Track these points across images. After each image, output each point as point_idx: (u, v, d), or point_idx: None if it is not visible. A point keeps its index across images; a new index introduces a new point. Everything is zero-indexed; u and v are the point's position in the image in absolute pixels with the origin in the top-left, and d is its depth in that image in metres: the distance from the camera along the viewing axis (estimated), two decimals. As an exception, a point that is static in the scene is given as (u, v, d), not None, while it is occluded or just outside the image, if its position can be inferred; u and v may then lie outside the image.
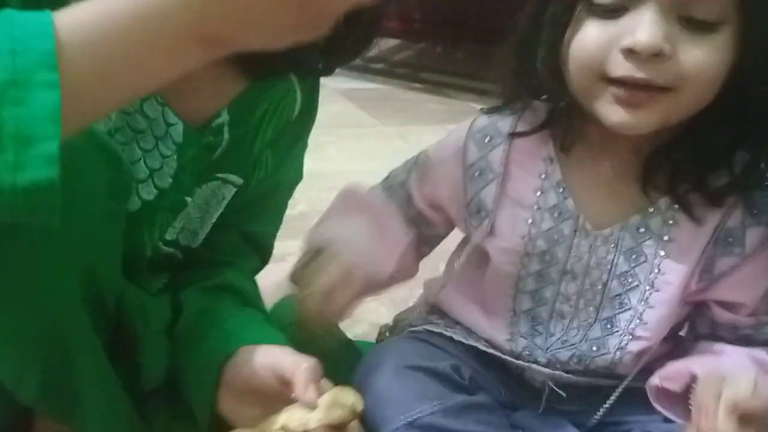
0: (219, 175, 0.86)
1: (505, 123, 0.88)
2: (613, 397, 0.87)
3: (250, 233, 0.94)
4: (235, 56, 0.56)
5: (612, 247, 0.84)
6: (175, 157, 0.81)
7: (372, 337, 1.18)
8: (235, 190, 0.88)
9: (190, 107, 0.80)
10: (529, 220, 0.85)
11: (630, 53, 0.72)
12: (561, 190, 0.85)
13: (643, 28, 0.71)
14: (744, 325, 0.85)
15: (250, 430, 0.68)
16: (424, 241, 0.97)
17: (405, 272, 0.96)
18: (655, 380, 0.84)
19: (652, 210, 0.83)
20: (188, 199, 0.84)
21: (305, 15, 0.53)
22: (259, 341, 0.77)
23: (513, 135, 0.86)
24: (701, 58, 0.72)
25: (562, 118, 0.84)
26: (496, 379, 0.92)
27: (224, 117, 0.83)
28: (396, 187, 0.96)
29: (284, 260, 1.00)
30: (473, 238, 0.90)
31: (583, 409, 0.89)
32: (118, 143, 0.77)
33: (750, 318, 0.84)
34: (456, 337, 0.92)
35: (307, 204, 1.64)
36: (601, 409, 0.88)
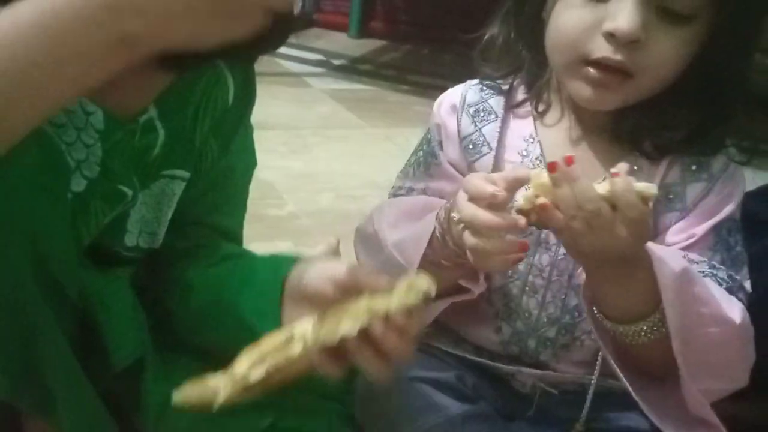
0: (164, 172, 0.85)
1: (495, 100, 0.92)
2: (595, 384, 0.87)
3: (215, 225, 0.93)
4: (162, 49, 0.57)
5: None
6: (99, 144, 0.79)
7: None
8: (184, 184, 0.87)
9: (111, 99, 0.78)
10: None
11: (610, 37, 0.78)
12: (539, 164, 0.88)
13: (625, 14, 0.76)
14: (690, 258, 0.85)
15: (347, 314, 0.67)
16: None
17: None
18: None
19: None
20: (123, 188, 0.82)
21: (223, 5, 0.55)
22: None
23: (507, 108, 0.91)
24: (669, 50, 0.79)
25: (541, 94, 0.90)
26: (491, 387, 0.92)
27: (152, 112, 0.81)
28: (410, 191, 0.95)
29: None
30: None
31: (574, 415, 0.89)
32: None
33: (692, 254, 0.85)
34: (444, 348, 0.93)
35: (295, 204, 1.65)
36: (588, 398, 0.87)
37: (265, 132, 1.95)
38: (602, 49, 0.79)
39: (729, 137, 0.86)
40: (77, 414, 0.78)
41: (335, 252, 1.46)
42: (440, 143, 0.93)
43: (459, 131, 0.92)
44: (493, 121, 0.91)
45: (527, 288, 0.89)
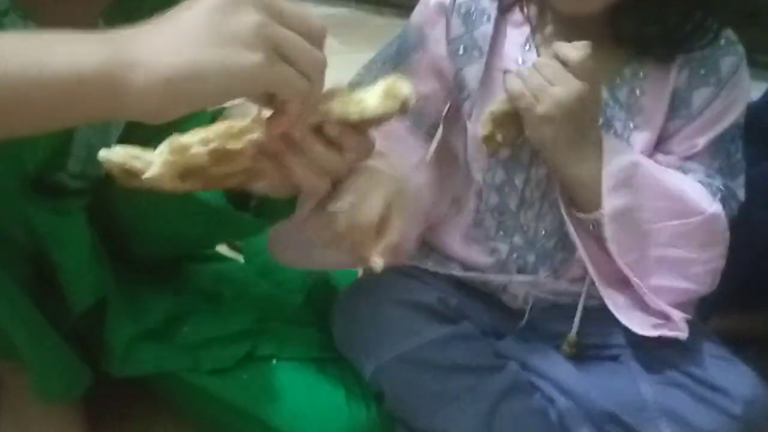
0: None
1: (488, 2, 0.85)
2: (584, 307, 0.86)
3: None
4: None
5: None
6: None
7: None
8: None
9: (57, 20, 0.73)
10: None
11: None
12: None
13: None
14: (686, 167, 0.85)
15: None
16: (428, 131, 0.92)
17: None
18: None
19: (618, 80, 0.83)
20: None
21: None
22: None
23: (500, 10, 0.85)
24: None
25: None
26: (479, 306, 0.90)
27: (101, 27, 0.75)
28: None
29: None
30: (460, 110, 0.87)
31: (564, 329, 0.87)
32: None
33: (688, 163, 0.85)
34: (431, 269, 0.90)
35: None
36: (579, 309, 0.86)
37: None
38: None
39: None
40: (42, 357, 0.76)
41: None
42: (416, 44, 0.87)
43: (448, 32, 0.86)
44: (485, 23, 0.85)
45: (524, 202, 0.86)
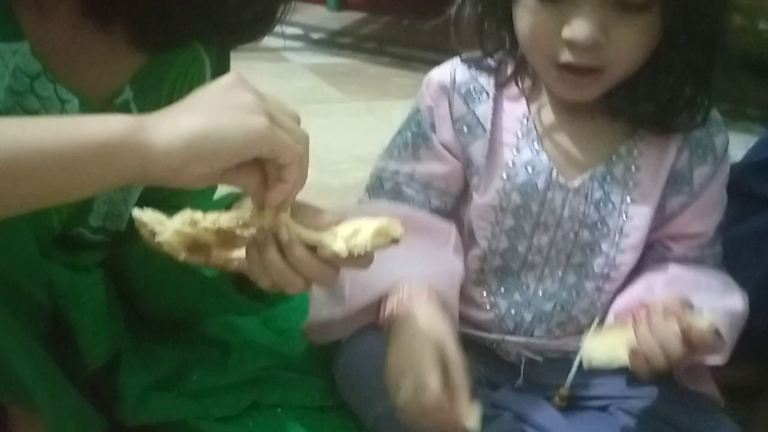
0: None
1: (485, 79, 0.89)
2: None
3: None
4: (130, 30, 0.56)
5: (583, 199, 0.87)
6: None
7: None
8: None
9: (86, 84, 0.77)
10: (504, 175, 0.87)
11: (570, 43, 0.77)
12: (535, 144, 0.87)
13: (580, 21, 0.75)
14: (691, 256, 0.91)
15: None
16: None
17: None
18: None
19: (615, 158, 0.87)
20: None
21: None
22: None
23: (498, 87, 0.88)
24: (632, 40, 0.77)
25: (528, 72, 0.88)
26: (475, 357, 0.90)
27: (128, 93, 0.80)
28: (401, 181, 0.90)
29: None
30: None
31: (558, 381, 0.89)
32: None
33: (695, 251, 0.91)
34: None
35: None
36: (574, 367, 0.87)
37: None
38: (566, 55, 0.78)
39: (714, 102, 0.87)
40: (57, 408, 0.78)
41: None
42: (432, 125, 0.90)
43: (451, 113, 0.89)
44: (485, 101, 0.88)
45: (526, 264, 0.90)
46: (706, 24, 0.79)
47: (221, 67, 0.88)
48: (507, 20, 0.84)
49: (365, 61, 3.05)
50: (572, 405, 0.90)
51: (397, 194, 0.90)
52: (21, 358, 0.72)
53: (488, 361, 0.92)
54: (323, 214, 0.65)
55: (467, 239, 0.91)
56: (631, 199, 0.88)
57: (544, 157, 0.87)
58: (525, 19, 0.80)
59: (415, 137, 0.91)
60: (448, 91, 0.89)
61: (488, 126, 0.88)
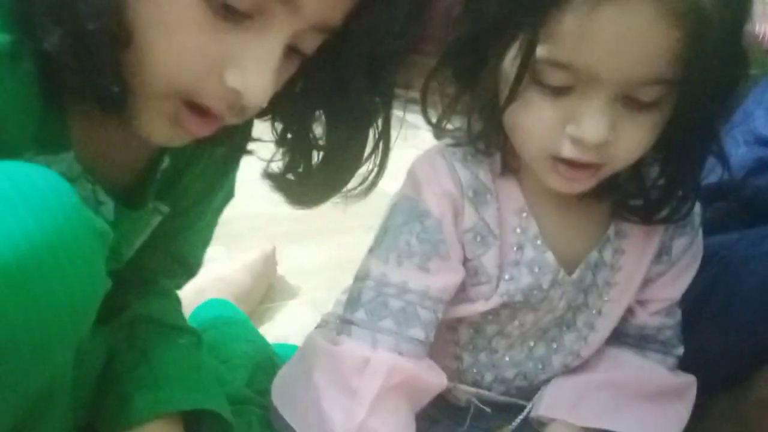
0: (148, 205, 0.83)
1: (483, 172, 0.81)
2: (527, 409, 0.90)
3: (178, 253, 0.92)
4: None
5: (577, 287, 0.85)
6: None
7: (292, 340, 1.18)
8: (161, 217, 0.85)
9: (122, 192, 0.78)
10: (507, 276, 0.83)
11: (576, 140, 0.71)
12: (538, 242, 0.82)
13: (591, 120, 0.69)
14: (651, 326, 0.90)
15: None
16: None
17: None
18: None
19: (605, 242, 0.84)
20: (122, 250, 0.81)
21: None
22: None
23: (494, 179, 0.81)
24: (637, 137, 0.72)
25: (514, 159, 0.81)
26: None
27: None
28: (414, 301, 0.80)
29: (204, 265, 0.98)
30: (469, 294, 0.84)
31: (502, 421, 0.90)
32: None
33: (657, 319, 0.90)
34: None
35: (227, 209, 1.62)
36: (523, 414, 0.89)
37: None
38: (568, 151, 0.71)
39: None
40: None
41: (270, 258, 1.44)
42: (444, 235, 0.80)
43: (462, 222, 0.80)
44: (490, 202, 0.80)
45: (502, 333, 0.88)
46: (708, 123, 0.75)
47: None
48: (493, 110, 0.76)
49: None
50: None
51: (410, 317, 0.79)
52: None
53: (436, 402, 0.89)
54: None
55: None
56: (615, 282, 0.86)
57: (549, 256, 0.82)
58: (523, 116, 0.73)
59: (422, 244, 0.79)
60: (455, 198, 0.80)
61: (497, 231, 0.81)
